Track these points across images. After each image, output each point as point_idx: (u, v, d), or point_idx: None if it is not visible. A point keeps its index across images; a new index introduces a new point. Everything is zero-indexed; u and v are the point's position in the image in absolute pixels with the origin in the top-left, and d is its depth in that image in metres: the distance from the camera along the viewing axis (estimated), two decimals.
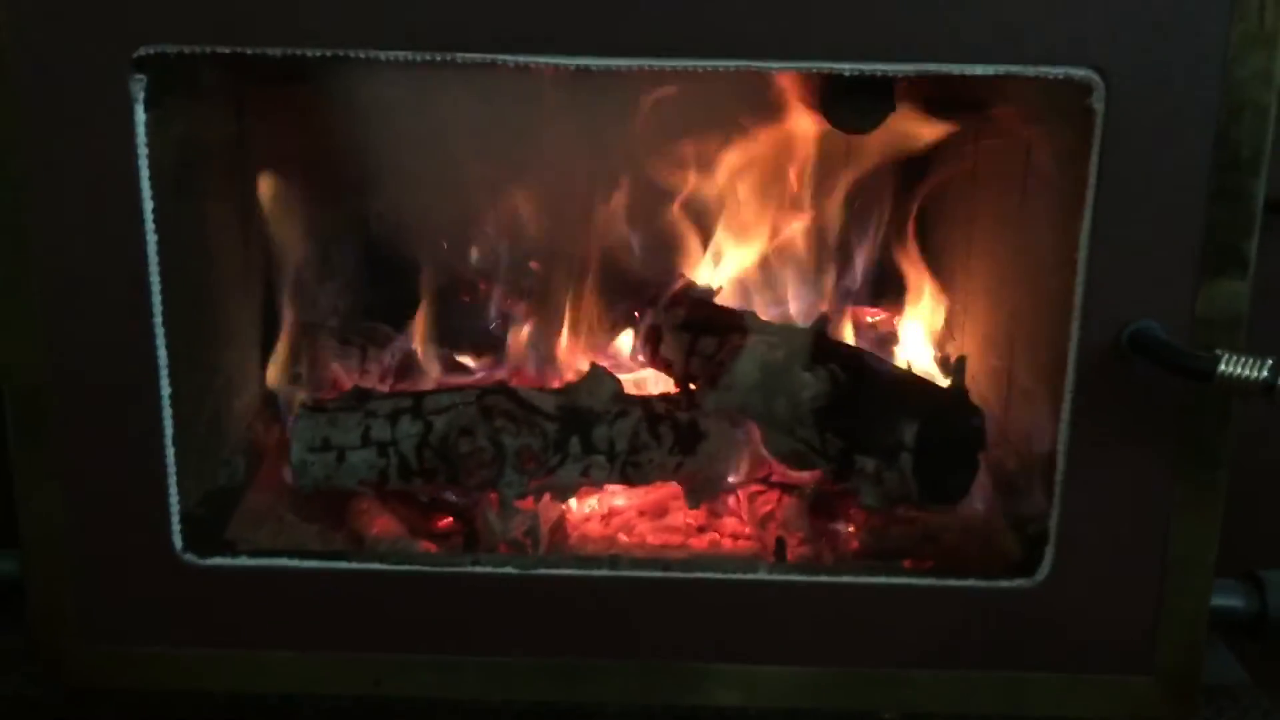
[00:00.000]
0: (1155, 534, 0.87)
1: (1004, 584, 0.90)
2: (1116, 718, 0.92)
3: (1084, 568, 0.88)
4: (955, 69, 0.79)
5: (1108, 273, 0.82)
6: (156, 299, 0.84)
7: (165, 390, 0.86)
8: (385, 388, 1.18)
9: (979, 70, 0.79)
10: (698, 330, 1.13)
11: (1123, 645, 0.90)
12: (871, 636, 0.92)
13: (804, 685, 0.93)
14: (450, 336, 1.22)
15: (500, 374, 1.19)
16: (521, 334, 1.20)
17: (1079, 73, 0.79)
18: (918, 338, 1.21)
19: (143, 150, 0.81)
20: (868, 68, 0.80)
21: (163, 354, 0.85)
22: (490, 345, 1.22)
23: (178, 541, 0.89)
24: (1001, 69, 0.79)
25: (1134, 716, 0.91)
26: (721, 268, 1.20)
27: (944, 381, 1.08)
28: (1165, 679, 0.91)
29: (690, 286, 1.19)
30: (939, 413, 0.96)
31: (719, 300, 1.18)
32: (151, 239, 0.83)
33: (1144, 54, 0.79)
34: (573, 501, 1.10)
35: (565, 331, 1.19)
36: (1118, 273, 0.82)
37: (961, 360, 0.98)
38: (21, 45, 0.79)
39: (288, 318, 1.14)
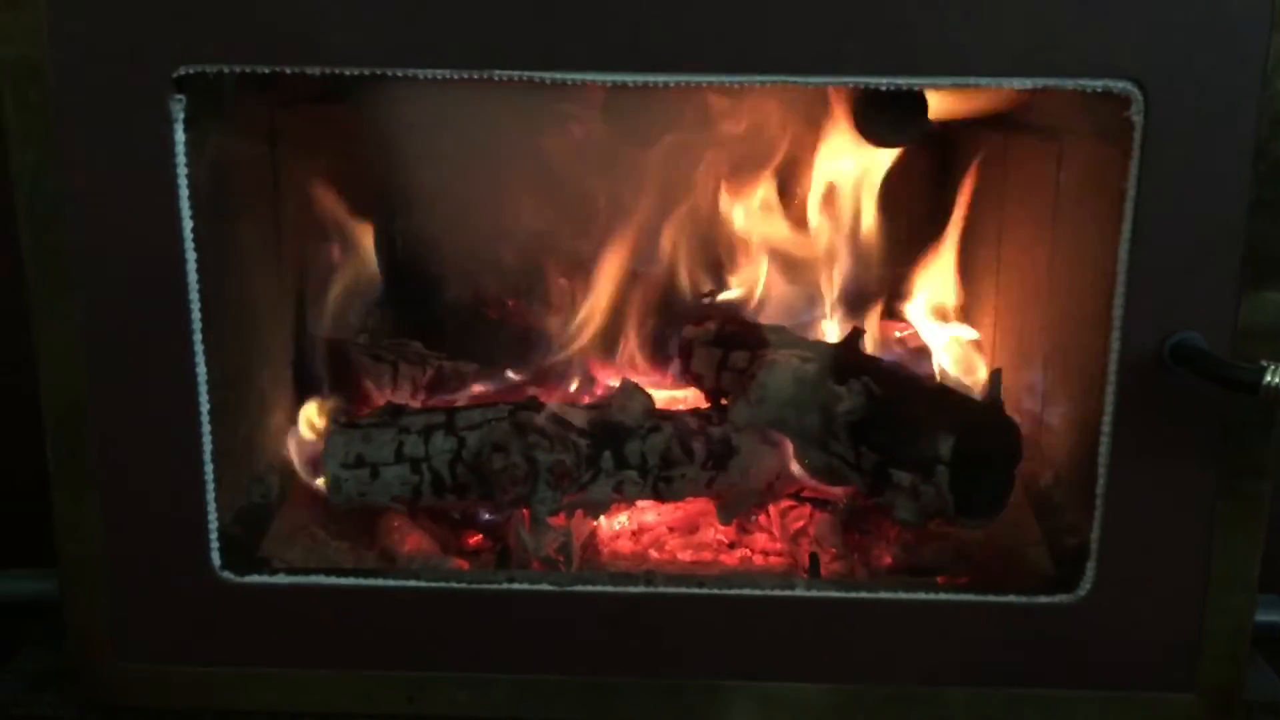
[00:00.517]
0: (1198, 549, 0.87)
1: (1044, 600, 0.89)
2: None
3: (1126, 583, 0.88)
4: (993, 82, 0.79)
5: (1149, 284, 0.82)
6: (196, 316, 0.85)
7: (205, 408, 0.86)
8: (417, 404, 1.18)
9: (1016, 84, 0.79)
10: (729, 345, 1.13)
11: (1164, 662, 0.89)
12: (910, 653, 0.91)
13: (839, 702, 0.92)
14: (482, 353, 1.23)
15: (532, 390, 1.19)
16: (552, 350, 1.20)
17: (1118, 85, 0.79)
18: (950, 352, 1.20)
19: (182, 169, 0.82)
20: (904, 81, 0.80)
21: (202, 371, 0.86)
22: (521, 361, 1.23)
23: (216, 559, 0.89)
24: (1040, 82, 0.79)
25: None
26: (753, 283, 1.20)
27: (978, 395, 1.08)
28: (1207, 696, 0.90)
29: (721, 301, 1.19)
30: (975, 427, 0.96)
31: (751, 315, 1.18)
32: (191, 257, 0.84)
33: (1183, 66, 0.79)
34: (603, 518, 1.10)
35: (597, 346, 1.19)
36: (1159, 284, 0.82)
37: (997, 374, 0.98)
38: (63, 66, 0.80)
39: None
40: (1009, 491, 0.97)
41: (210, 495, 0.88)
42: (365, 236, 1.21)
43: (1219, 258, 0.81)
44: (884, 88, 0.80)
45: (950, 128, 1.07)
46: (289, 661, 0.92)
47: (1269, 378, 0.76)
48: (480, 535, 1.09)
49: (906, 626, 0.91)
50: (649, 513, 1.13)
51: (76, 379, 0.86)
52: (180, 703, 0.93)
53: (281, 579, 0.91)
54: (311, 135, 1.13)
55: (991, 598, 0.90)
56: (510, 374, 1.23)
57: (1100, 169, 0.89)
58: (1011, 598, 0.90)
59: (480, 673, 0.92)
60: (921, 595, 0.91)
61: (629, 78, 0.80)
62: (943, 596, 0.91)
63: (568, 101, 1.05)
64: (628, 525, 1.12)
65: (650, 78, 0.80)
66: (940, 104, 0.98)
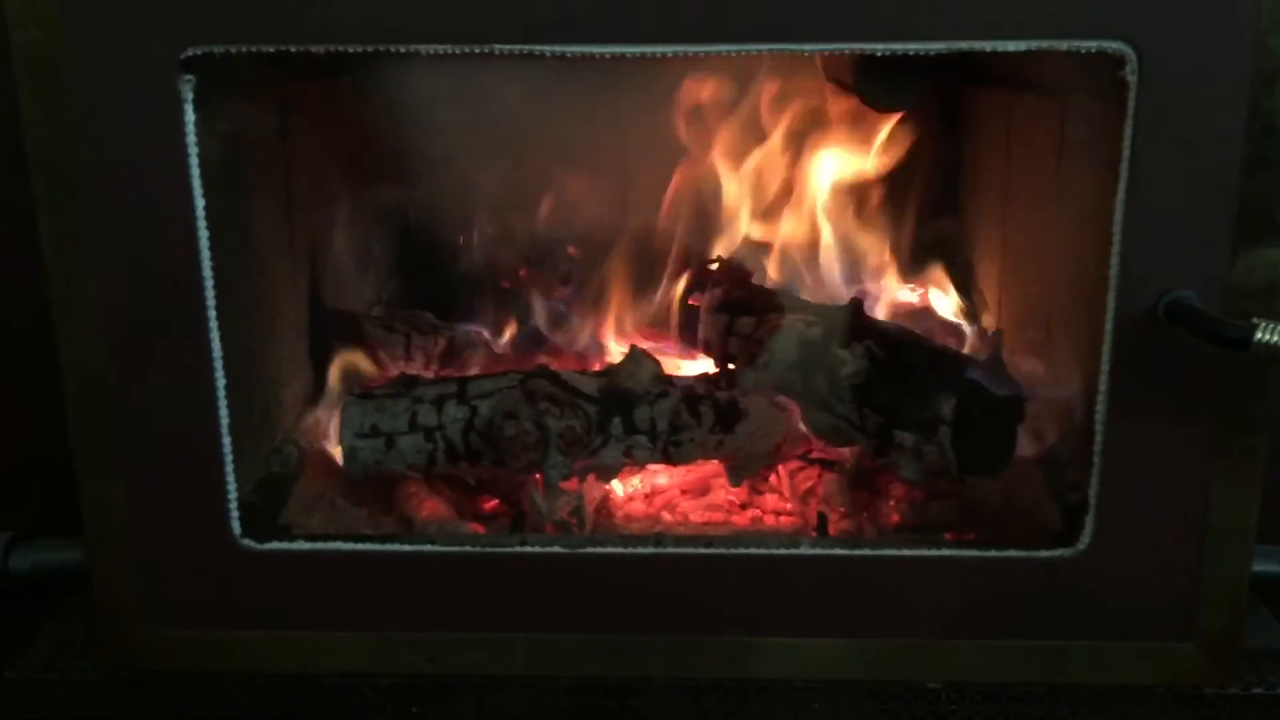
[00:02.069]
0: (1194, 501, 0.88)
1: (1045, 554, 0.91)
2: (1159, 684, 0.92)
3: (1124, 536, 0.89)
4: (988, 45, 0.80)
5: (1143, 243, 0.83)
6: (210, 292, 0.87)
7: (221, 380, 0.88)
8: (430, 374, 1.20)
9: (1011, 46, 0.80)
10: (736, 310, 1.14)
11: (1164, 612, 0.91)
12: (915, 608, 0.93)
13: (848, 657, 0.94)
14: (492, 323, 1.24)
15: (542, 358, 1.20)
16: (562, 318, 1.22)
17: (1112, 46, 0.79)
18: (954, 313, 1.21)
19: (193, 148, 0.83)
20: (900, 47, 0.80)
21: (217, 345, 0.88)
22: (531, 330, 1.24)
23: (236, 527, 0.92)
24: (1034, 44, 0.80)
25: (1176, 682, 0.92)
26: (758, 246, 1.21)
27: (981, 355, 1.09)
28: (1207, 644, 0.91)
29: (727, 267, 1.20)
30: (977, 386, 0.97)
31: (756, 280, 1.19)
32: (203, 233, 0.85)
33: (1176, 26, 0.79)
34: (616, 482, 1.12)
35: (605, 315, 1.21)
36: (1153, 243, 0.83)
37: (999, 334, 0.99)
38: (74, 49, 0.82)
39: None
40: (1011, 450, 0.99)
41: (229, 466, 0.90)
42: (377, 209, 1.22)
43: (1213, 216, 0.82)
44: (879, 53, 0.81)
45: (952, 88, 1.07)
46: (310, 625, 0.94)
47: (1260, 335, 0.77)
48: (495, 500, 1.11)
49: (913, 581, 0.93)
50: (661, 475, 1.14)
51: (96, 356, 0.88)
52: (204, 667, 0.95)
53: (301, 545, 0.93)
54: (322, 109, 1.14)
55: (994, 552, 0.91)
56: (520, 343, 1.24)
57: (1101, 127, 0.89)
58: (1013, 552, 0.91)
59: (498, 633, 0.94)
60: (927, 551, 0.93)
61: (626, 49, 0.81)
62: (947, 552, 0.92)
63: (575, 72, 1.05)
64: (640, 488, 1.14)
65: (647, 49, 0.81)
66: None
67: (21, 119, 0.83)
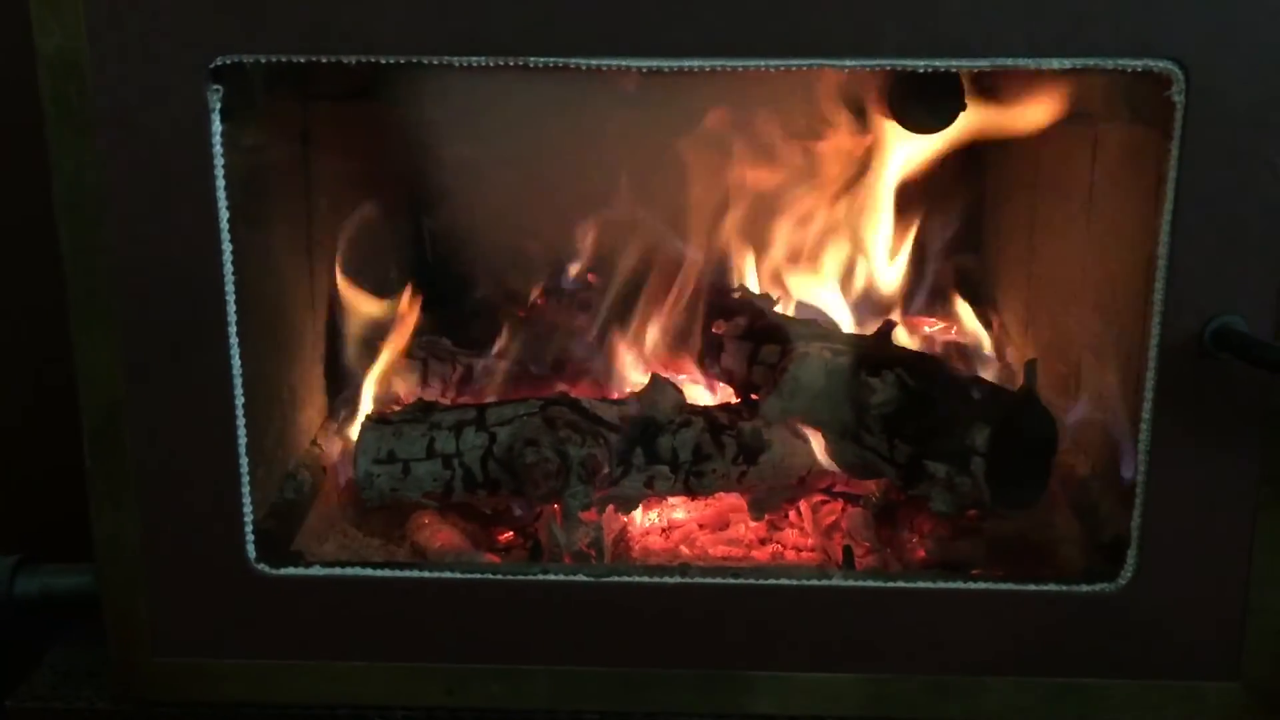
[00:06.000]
0: (1242, 534, 0.86)
1: (1085, 589, 0.88)
2: None
3: (1168, 570, 0.87)
4: (1030, 63, 0.79)
5: (1190, 268, 0.81)
6: (232, 311, 0.85)
7: (240, 401, 0.86)
8: (447, 401, 1.18)
9: (1055, 64, 0.78)
10: (760, 339, 1.13)
11: (1207, 650, 0.88)
12: (947, 643, 0.91)
13: (880, 694, 0.91)
14: (511, 350, 1.23)
15: (562, 386, 1.18)
16: (582, 346, 1.20)
17: (1158, 65, 0.78)
18: (981, 345, 1.20)
19: (219, 161, 0.82)
20: (940, 64, 0.79)
21: (237, 365, 0.86)
22: (550, 358, 1.23)
23: (251, 552, 0.89)
24: (1079, 62, 0.78)
25: None
26: (782, 276, 1.19)
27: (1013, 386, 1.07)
28: (1252, 685, 0.89)
29: (751, 296, 1.19)
30: (1010, 417, 0.95)
31: (780, 309, 1.18)
32: (227, 249, 0.83)
33: (1224, 44, 0.78)
34: (636, 514, 1.10)
35: (625, 342, 1.19)
36: (1200, 268, 0.81)
37: (1032, 363, 0.97)
38: (100, 57, 0.80)
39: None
40: (1046, 481, 0.96)
41: (246, 489, 0.88)
42: (395, 234, 1.21)
43: (1262, 239, 0.80)
44: (921, 70, 0.79)
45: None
46: (325, 654, 0.91)
47: None
48: (511, 532, 1.09)
49: (947, 616, 0.90)
50: (679, 510, 1.12)
51: (114, 376, 0.86)
52: (216, 696, 0.92)
53: (317, 571, 0.90)
54: (342, 134, 1.14)
55: (1032, 587, 0.89)
56: (540, 370, 1.23)
57: (1137, 153, 0.88)
58: (1051, 586, 0.89)
59: (518, 664, 0.92)
60: (961, 584, 0.90)
61: (663, 64, 0.80)
62: (983, 586, 0.90)
63: (598, 94, 1.05)
64: (658, 523, 1.11)
65: (680, 63, 0.80)
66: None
67: (44, 130, 0.82)
